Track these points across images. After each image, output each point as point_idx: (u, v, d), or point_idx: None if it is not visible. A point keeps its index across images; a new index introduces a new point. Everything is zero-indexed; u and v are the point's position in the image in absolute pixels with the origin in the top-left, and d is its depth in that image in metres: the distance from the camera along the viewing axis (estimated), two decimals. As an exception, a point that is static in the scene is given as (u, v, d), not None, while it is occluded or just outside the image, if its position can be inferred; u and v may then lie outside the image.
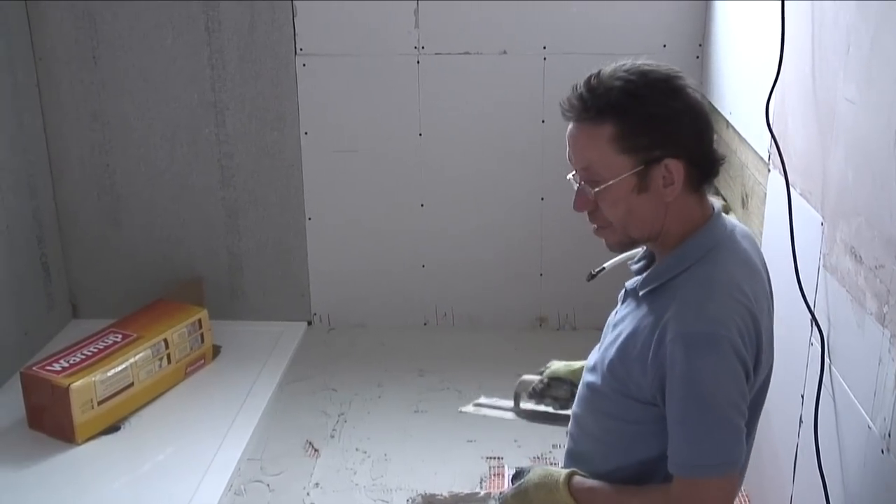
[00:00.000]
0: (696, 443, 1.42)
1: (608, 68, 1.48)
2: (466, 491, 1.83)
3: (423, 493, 1.83)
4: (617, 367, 1.52)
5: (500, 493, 1.66)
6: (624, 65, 1.48)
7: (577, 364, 1.91)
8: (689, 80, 1.49)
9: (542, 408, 1.97)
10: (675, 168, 1.45)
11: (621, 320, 1.58)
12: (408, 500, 1.96)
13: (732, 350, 1.40)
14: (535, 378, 1.98)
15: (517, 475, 1.66)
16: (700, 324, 1.42)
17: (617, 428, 1.57)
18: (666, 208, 1.49)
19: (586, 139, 1.48)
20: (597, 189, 1.48)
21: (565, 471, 1.58)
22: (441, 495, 1.77)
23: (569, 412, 1.81)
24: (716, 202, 1.59)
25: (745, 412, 1.43)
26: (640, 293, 1.54)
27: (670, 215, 1.50)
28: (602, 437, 1.61)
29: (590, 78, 1.48)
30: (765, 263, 1.61)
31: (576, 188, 1.53)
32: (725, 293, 1.44)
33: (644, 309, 1.51)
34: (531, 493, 1.58)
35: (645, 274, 1.56)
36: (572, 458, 1.70)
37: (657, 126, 1.45)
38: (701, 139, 1.49)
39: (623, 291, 1.63)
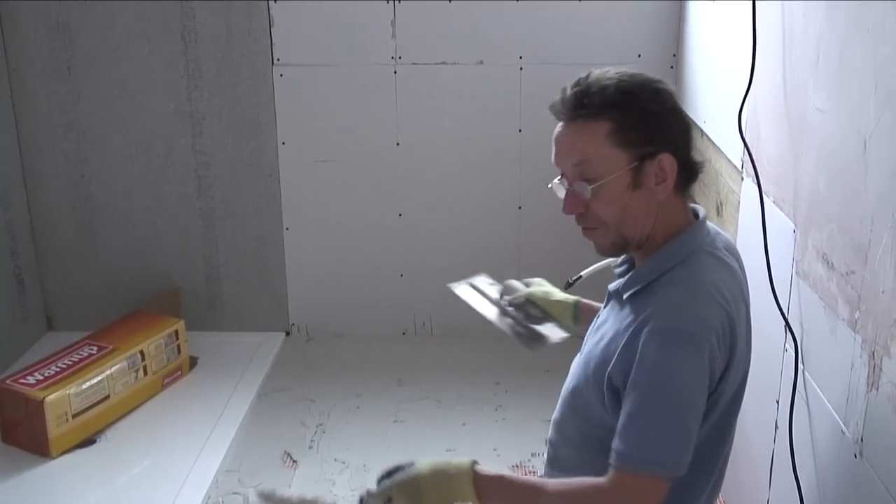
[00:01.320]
0: (650, 437, 1.41)
1: (595, 72, 1.52)
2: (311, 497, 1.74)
3: (263, 491, 1.72)
4: (601, 368, 1.52)
5: (368, 492, 1.61)
6: (609, 70, 1.52)
7: (556, 295, 1.94)
8: (670, 87, 1.54)
9: (521, 318, 1.97)
10: (668, 163, 1.48)
11: (604, 322, 1.60)
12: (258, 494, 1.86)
13: (706, 352, 1.41)
14: (519, 286, 2.00)
15: (391, 472, 1.60)
16: (679, 320, 1.43)
17: (598, 435, 1.54)
18: (658, 208, 1.52)
19: (583, 136, 1.49)
20: (593, 186, 1.49)
21: (466, 458, 1.55)
22: (284, 494, 1.69)
23: (538, 330, 1.90)
24: (700, 209, 1.61)
25: (699, 416, 1.43)
26: (624, 296, 1.55)
27: (660, 217, 1.53)
28: (583, 444, 1.61)
29: (579, 80, 1.51)
30: (744, 271, 1.63)
31: (562, 193, 1.54)
32: (706, 294, 1.45)
33: (626, 311, 1.53)
34: (422, 482, 1.53)
35: (627, 276, 1.57)
36: (552, 465, 1.70)
37: (651, 121, 1.49)
38: (687, 139, 1.54)
39: (607, 295, 1.64)
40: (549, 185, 1.57)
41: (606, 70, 1.51)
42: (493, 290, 2.09)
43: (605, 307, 1.64)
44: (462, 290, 2.13)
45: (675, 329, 1.42)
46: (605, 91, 1.48)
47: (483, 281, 2.15)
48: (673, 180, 1.49)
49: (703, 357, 1.40)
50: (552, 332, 1.92)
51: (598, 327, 1.61)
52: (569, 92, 1.50)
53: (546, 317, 1.95)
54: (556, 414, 1.69)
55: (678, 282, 1.48)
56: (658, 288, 1.49)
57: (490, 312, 2.04)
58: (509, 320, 1.99)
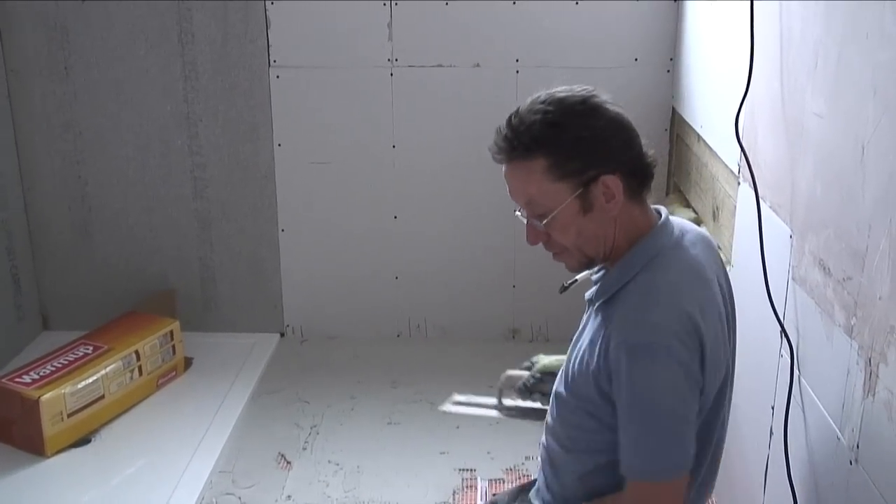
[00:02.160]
0: (641, 447, 1.47)
1: (526, 104, 1.53)
2: None
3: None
4: (577, 376, 1.56)
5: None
6: (540, 97, 1.53)
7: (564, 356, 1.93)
8: (605, 97, 1.54)
9: (529, 404, 1.96)
10: (612, 183, 1.49)
11: (582, 330, 1.63)
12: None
13: (672, 358, 1.43)
14: (521, 373, 1.98)
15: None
16: (639, 333, 1.46)
17: (583, 437, 1.60)
18: (614, 222, 1.54)
19: (522, 176, 1.52)
20: (544, 221, 1.52)
21: None
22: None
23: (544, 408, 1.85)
24: (662, 209, 1.62)
25: (688, 417, 1.46)
26: (596, 304, 1.59)
27: (619, 228, 1.54)
28: (570, 447, 1.64)
29: (510, 118, 1.53)
30: (721, 269, 1.64)
31: (525, 223, 1.57)
32: (665, 300, 1.47)
33: (599, 319, 1.56)
34: None
35: (598, 285, 1.60)
36: (546, 465, 1.71)
37: (585, 147, 1.49)
38: (630, 148, 1.54)
39: (586, 302, 1.65)
40: (515, 213, 1.60)
41: (538, 96, 1.53)
42: (480, 399, 2.11)
43: (584, 314, 1.66)
44: (457, 408, 2.13)
45: (636, 343, 1.45)
46: (533, 129, 1.49)
47: (462, 397, 2.16)
48: (621, 195, 1.50)
49: (669, 362, 1.43)
50: None
51: (579, 335, 1.63)
52: (500, 135, 1.52)
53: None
54: (547, 417, 1.72)
55: (638, 290, 1.51)
56: (623, 296, 1.52)
57: (493, 412, 2.06)
58: (525, 412, 1.99)
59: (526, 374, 1.98)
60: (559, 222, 1.52)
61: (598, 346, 1.51)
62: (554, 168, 1.49)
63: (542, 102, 1.51)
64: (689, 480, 1.51)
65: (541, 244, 1.59)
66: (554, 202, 1.51)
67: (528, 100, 1.54)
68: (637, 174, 1.54)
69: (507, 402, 2.01)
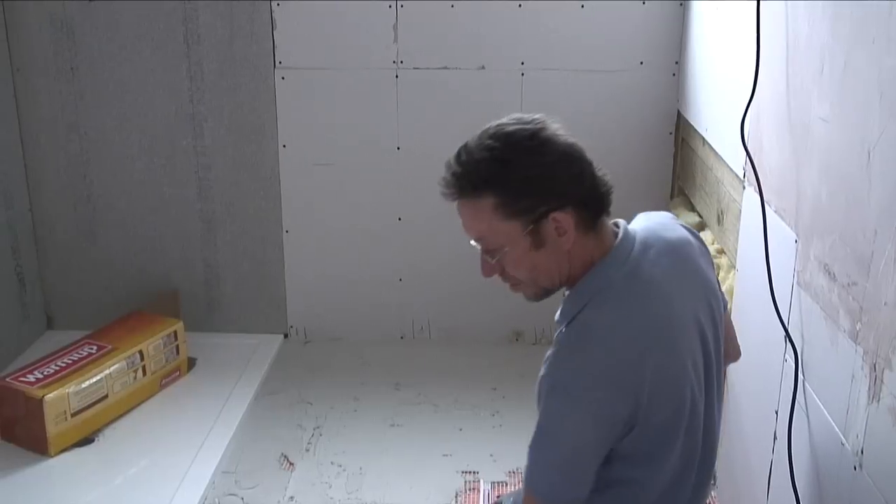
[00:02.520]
0: (536, 470, 1.52)
1: (474, 139, 1.51)
2: None
3: None
4: None
5: None
6: (489, 130, 1.51)
7: None
8: (554, 126, 1.52)
9: None
10: (563, 218, 1.49)
11: None
12: None
13: (586, 404, 1.46)
14: None
15: None
16: (561, 373, 1.49)
17: None
18: (568, 254, 1.53)
19: (472, 214, 1.52)
20: (496, 258, 1.53)
21: None
22: None
23: None
24: (622, 224, 1.60)
25: (586, 460, 1.49)
26: (559, 329, 1.59)
27: (573, 259, 1.54)
28: None
29: (459, 153, 1.52)
30: (699, 272, 1.63)
31: (479, 253, 1.57)
32: (597, 344, 1.48)
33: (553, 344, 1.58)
34: None
35: (558, 312, 1.61)
36: None
37: (534, 186, 1.48)
38: (580, 182, 1.51)
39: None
40: (471, 243, 1.59)
41: (487, 130, 1.51)
42: None
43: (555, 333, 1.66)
44: None
45: (556, 380, 1.48)
46: (481, 167, 1.48)
47: None
48: (573, 230, 1.50)
49: (581, 405, 1.46)
50: None
51: None
52: (449, 171, 1.51)
53: None
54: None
55: (576, 330, 1.52)
56: (568, 329, 1.54)
57: None
58: None
59: None
60: (511, 258, 1.52)
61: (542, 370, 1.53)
62: (503, 206, 1.48)
63: (491, 138, 1.49)
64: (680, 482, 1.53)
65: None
66: (505, 240, 1.50)
67: (478, 133, 1.52)
68: (590, 206, 1.52)
69: None
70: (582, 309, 1.52)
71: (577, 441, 1.48)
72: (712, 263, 1.74)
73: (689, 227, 1.74)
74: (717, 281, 1.73)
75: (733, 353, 1.84)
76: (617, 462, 1.54)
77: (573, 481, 1.50)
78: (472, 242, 1.58)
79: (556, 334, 1.59)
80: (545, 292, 1.59)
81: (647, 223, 1.66)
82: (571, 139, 1.52)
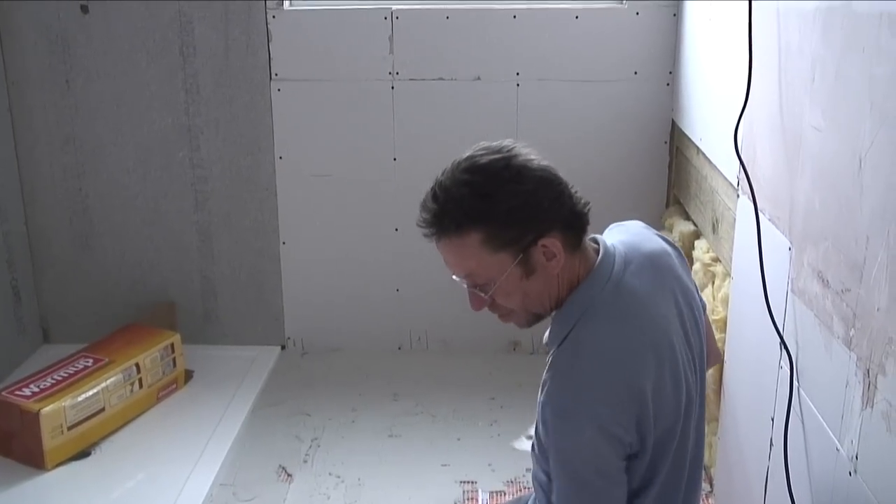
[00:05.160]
0: (566, 500, 1.49)
1: (447, 174, 1.49)
2: None
3: None
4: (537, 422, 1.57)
5: None
6: (460, 165, 1.49)
7: None
8: (525, 151, 1.50)
9: None
10: (551, 243, 1.48)
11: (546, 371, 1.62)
12: None
13: (592, 424, 1.44)
14: None
15: None
16: (563, 395, 1.47)
17: (547, 481, 1.60)
18: (557, 278, 1.53)
19: (458, 252, 1.50)
20: (488, 292, 1.52)
21: None
22: None
23: None
24: (601, 239, 1.60)
25: (610, 473, 1.48)
26: (550, 351, 1.58)
27: (561, 281, 1.54)
28: (550, 477, 1.64)
29: (434, 191, 1.49)
30: (680, 281, 1.63)
31: (465, 289, 1.56)
32: (592, 364, 1.47)
33: (547, 366, 1.56)
34: None
35: (547, 332, 1.60)
36: (537, 487, 1.73)
37: (519, 216, 1.46)
38: (561, 204, 1.50)
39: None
40: (454, 278, 1.57)
41: (458, 163, 1.49)
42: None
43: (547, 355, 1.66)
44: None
45: (557, 404, 1.47)
46: (462, 204, 1.45)
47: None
48: (562, 252, 1.49)
49: (588, 428, 1.44)
50: None
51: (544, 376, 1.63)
52: (428, 211, 1.49)
53: None
54: (532, 443, 1.73)
55: (570, 348, 1.51)
56: (564, 347, 1.52)
57: None
58: None
59: None
60: (503, 290, 1.51)
61: (539, 397, 1.52)
62: (490, 240, 1.46)
63: (466, 172, 1.47)
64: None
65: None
66: (495, 272, 1.49)
67: (449, 168, 1.50)
68: (573, 226, 1.52)
69: None
70: (572, 328, 1.52)
71: (597, 460, 1.46)
72: (689, 269, 1.74)
73: (662, 234, 1.74)
74: (695, 285, 1.73)
75: (713, 357, 1.85)
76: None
77: (610, 500, 1.49)
78: (456, 278, 1.56)
79: (548, 356, 1.59)
80: (536, 318, 1.59)
81: (623, 237, 1.65)
82: (544, 162, 1.51)
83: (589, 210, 1.54)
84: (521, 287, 1.51)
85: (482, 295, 1.53)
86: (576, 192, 1.53)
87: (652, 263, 1.61)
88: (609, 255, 1.57)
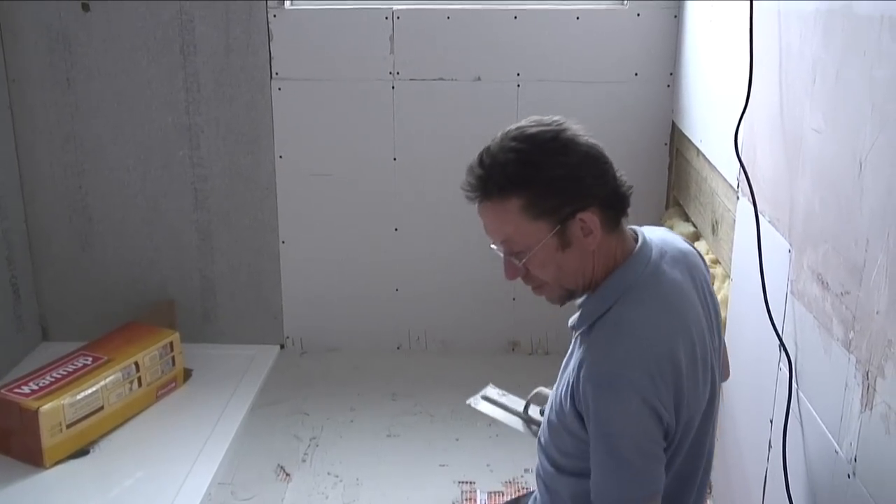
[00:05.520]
0: (604, 478, 1.49)
1: (496, 141, 1.52)
2: None
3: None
4: (564, 402, 1.57)
5: None
6: (510, 133, 1.52)
7: None
8: (575, 128, 1.53)
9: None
10: (589, 218, 1.49)
11: (568, 358, 1.63)
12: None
13: (636, 395, 1.44)
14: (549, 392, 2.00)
15: None
16: (604, 366, 1.47)
17: (573, 461, 1.60)
18: (592, 255, 1.54)
19: (498, 216, 1.52)
20: (523, 260, 1.52)
21: None
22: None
23: None
24: (639, 230, 1.62)
25: (653, 450, 1.47)
26: (577, 333, 1.59)
27: (597, 260, 1.55)
28: (562, 468, 1.65)
29: (482, 156, 1.52)
30: (705, 286, 1.64)
31: (502, 258, 1.57)
32: (636, 334, 1.48)
33: (581, 348, 1.56)
34: None
35: (578, 314, 1.61)
36: (541, 483, 1.73)
37: (560, 186, 1.49)
38: (604, 182, 1.52)
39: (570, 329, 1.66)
40: (491, 247, 1.58)
41: (508, 132, 1.52)
42: (512, 401, 2.12)
43: (571, 341, 1.67)
44: (483, 406, 2.12)
45: (600, 374, 1.46)
46: (507, 169, 1.48)
47: (495, 392, 2.16)
48: (599, 229, 1.51)
49: (632, 396, 1.44)
50: None
51: (566, 363, 1.64)
52: (472, 174, 1.51)
53: None
54: (539, 437, 1.74)
55: (611, 324, 1.52)
56: (599, 326, 1.53)
57: (518, 425, 2.07)
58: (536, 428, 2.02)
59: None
60: (538, 259, 1.52)
61: (575, 373, 1.52)
62: (530, 207, 1.48)
63: (514, 140, 1.50)
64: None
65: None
66: (532, 241, 1.51)
67: (499, 136, 1.53)
68: (613, 206, 1.54)
69: (534, 414, 2.03)
70: (611, 307, 1.53)
71: (639, 437, 1.45)
72: (711, 278, 1.75)
73: (688, 242, 1.76)
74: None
75: (724, 372, 1.85)
76: None
77: (652, 478, 1.48)
78: (494, 246, 1.58)
79: (576, 337, 1.60)
80: (569, 294, 1.59)
81: (652, 234, 1.67)
82: (592, 140, 1.54)
83: (631, 194, 1.56)
84: (555, 259, 1.52)
85: (517, 263, 1.54)
86: (621, 175, 1.56)
87: (685, 258, 1.64)
88: (647, 243, 1.59)
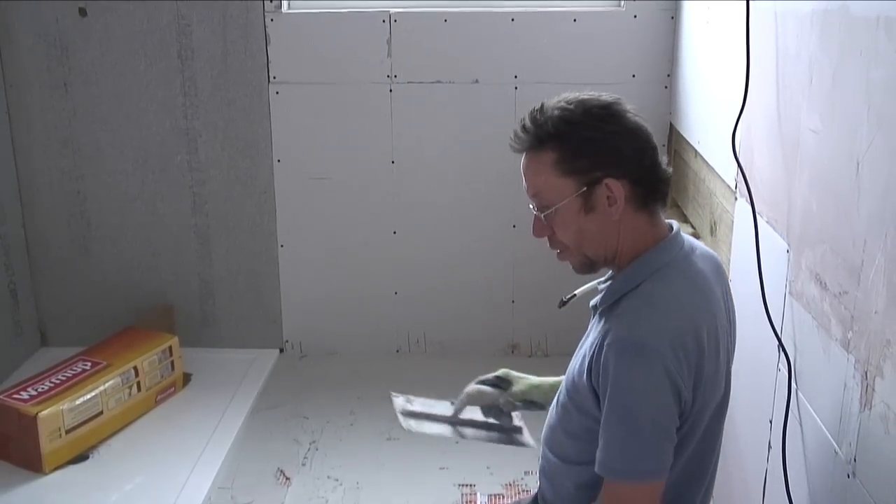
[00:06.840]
0: (619, 448, 1.47)
1: (552, 100, 1.57)
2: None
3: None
4: (577, 380, 1.57)
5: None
6: (567, 96, 1.57)
7: (547, 382, 1.95)
8: (629, 107, 1.57)
9: (490, 420, 2.00)
10: (615, 187, 1.52)
11: (587, 336, 1.64)
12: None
13: (661, 364, 1.44)
14: (489, 391, 1.99)
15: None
16: (633, 333, 1.47)
17: (582, 450, 1.59)
18: (616, 227, 1.56)
19: (532, 167, 1.57)
20: (545, 213, 1.56)
21: None
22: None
23: (516, 425, 1.95)
24: (675, 224, 1.64)
25: (665, 427, 1.47)
26: (599, 310, 1.61)
27: (622, 235, 1.56)
28: (569, 459, 1.65)
29: (534, 110, 1.57)
30: (726, 289, 1.66)
31: (534, 216, 1.61)
32: (665, 309, 1.49)
33: (601, 325, 1.57)
34: None
35: (603, 292, 1.62)
36: (544, 477, 1.72)
37: (594, 148, 1.53)
38: (641, 158, 1.56)
39: (591, 310, 1.67)
40: (530, 206, 1.62)
41: (567, 95, 1.57)
42: (440, 407, 2.08)
43: (589, 322, 1.68)
44: (412, 424, 2.05)
45: (628, 341, 1.47)
46: (549, 122, 1.54)
47: (420, 402, 2.12)
48: (623, 201, 1.53)
49: (657, 367, 1.44)
50: (523, 424, 2.00)
51: (582, 343, 1.65)
52: (521, 125, 1.57)
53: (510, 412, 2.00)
54: (545, 427, 1.74)
55: (640, 298, 1.53)
56: (625, 302, 1.54)
57: (447, 432, 2.05)
58: (474, 430, 2.02)
59: (492, 390, 1.99)
60: (561, 217, 1.55)
61: (595, 347, 1.52)
62: (561, 162, 1.53)
63: (567, 101, 1.55)
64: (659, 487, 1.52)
65: (546, 242, 1.62)
66: (557, 196, 1.54)
67: (557, 97, 1.58)
68: (645, 184, 1.56)
69: (468, 415, 2.01)
70: (640, 284, 1.54)
71: (656, 408, 1.45)
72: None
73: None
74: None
75: None
76: None
77: (662, 453, 1.47)
78: (531, 206, 1.61)
79: (596, 316, 1.61)
80: (590, 264, 1.61)
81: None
82: (643, 122, 1.58)
83: (669, 183, 1.60)
84: (577, 221, 1.55)
85: (543, 221, 1.58)
86: (665, 163, 1.60)
87: (712, 259, 1.67)
88: (681, 235, 1.62)
